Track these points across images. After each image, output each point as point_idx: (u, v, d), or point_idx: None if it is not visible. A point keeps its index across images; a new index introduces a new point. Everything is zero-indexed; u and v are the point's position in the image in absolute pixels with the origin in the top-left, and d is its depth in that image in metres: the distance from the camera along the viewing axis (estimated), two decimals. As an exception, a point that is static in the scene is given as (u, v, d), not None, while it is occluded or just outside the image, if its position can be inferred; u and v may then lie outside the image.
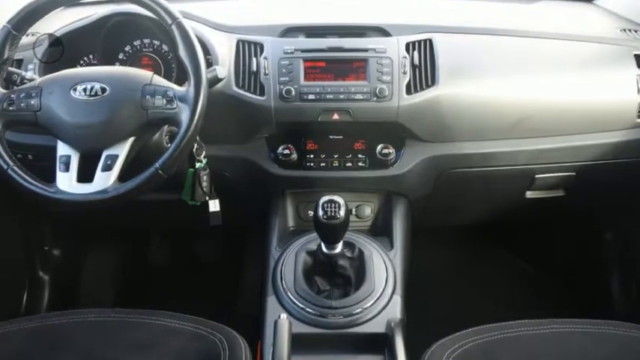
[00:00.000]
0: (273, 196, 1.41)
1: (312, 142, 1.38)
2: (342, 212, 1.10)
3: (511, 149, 1.38)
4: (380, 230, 1.38)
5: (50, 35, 1.33)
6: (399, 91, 1.29)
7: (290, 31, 1.40)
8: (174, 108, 1.11)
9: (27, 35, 1.23)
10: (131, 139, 1.13)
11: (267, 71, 1.31)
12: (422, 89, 1.30)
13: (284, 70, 1.31)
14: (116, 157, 1.11)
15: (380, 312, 1.17)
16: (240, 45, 1.35)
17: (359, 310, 1.15)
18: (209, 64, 1.25)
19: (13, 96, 1.13)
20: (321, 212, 1.10)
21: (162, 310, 1.16)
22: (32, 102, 1.12)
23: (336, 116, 1.32)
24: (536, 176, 1.44)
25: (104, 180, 1.10)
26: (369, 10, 1.55)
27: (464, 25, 1.42)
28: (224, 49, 1.33)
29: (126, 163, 1.12)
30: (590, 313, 1.19)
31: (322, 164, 1.37)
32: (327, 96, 1.30)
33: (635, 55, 1.39)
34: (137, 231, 1.96)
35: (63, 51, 1.34)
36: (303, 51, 1.32)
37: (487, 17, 1.56)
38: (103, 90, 1.11)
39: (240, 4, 1.66)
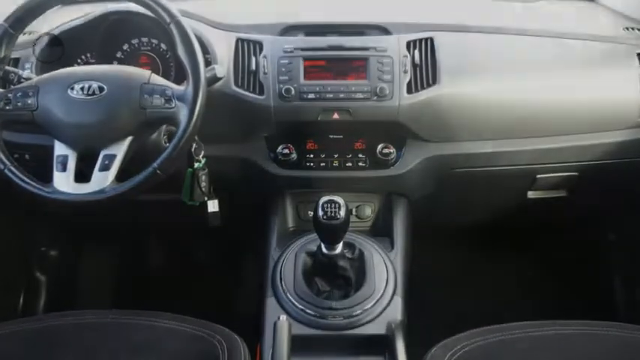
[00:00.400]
0: (273, 197, 1.41)
1: (311, 141, 1.37)
2: (342, 212, 1.09)
3: (512, 149, 1.37)
4: (380, 231, 1.37)
5: (50, 34, 1.32)
6: (399, 90, 1.28)
7: (289, 30, 1.39)
8: (173, 107, 1.10)
9: (24, 34, 1.22)
10: (129, 139, 1.12)
11: (266, 70, 1.30)
12: (423, 88, 1.29)
13: (283, 69, 1.30)
14: (114, 156, 1.10)
15: (380, 313, 1.16)
16: (240, 43, 1.34)
17: (359, 312, 1.15)
18: (208, 63, 1.23)
19: (9, 95, 1.12)
20: (321, 212, 1.09)
21: (161, 311, 1.16)
22: (29, 101, 1.11)
23: (336, 115, 1.31)
24: (538, 176, 1.44)
25: (102, 180, 1.09)
26: (370, 8, 1.54)
27: (465, 24, 1.41)
28: (223, 48, 1.33)
29: (124, 162, 1.12)
30: (593, 315, 1.18)
31: (322, 164, 1.36)
32: (327, 95, 1.29)
33: (639, 54, 1.38)
34: (135, 231, 1.95)
35: (63, 51, 1.33)
36: (302, 50, 1.31)
37: (488, 16, 1.55)
38: (101, 89, 1.10)
39: (239, 3, 1.65)
